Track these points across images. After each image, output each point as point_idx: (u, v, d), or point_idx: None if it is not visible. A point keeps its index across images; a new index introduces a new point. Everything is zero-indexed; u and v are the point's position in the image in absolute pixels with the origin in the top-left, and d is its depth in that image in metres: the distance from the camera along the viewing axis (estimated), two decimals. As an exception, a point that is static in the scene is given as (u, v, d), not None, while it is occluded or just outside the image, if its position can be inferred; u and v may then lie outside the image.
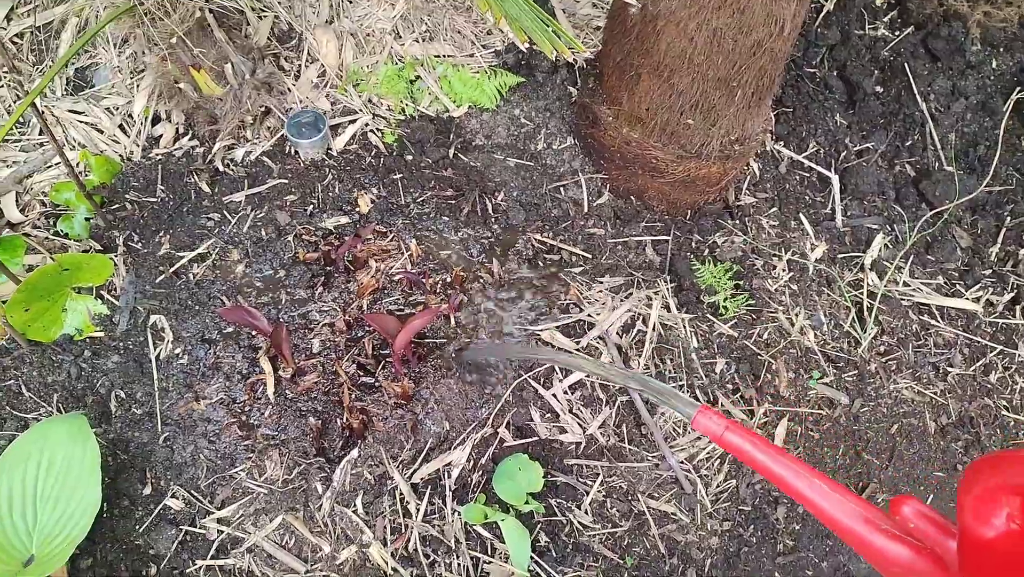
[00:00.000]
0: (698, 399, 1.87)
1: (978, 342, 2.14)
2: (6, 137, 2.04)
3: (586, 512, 1.75)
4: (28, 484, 1.46)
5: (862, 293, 2.12)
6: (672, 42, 1.69)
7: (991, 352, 2.13)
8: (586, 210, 2.10)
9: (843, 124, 2.42)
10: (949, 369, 2.08)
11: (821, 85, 2.47)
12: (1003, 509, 0.68)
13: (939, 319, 2.15)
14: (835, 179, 2.30)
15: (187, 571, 1.58)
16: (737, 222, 2.18)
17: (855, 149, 2.38)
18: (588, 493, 1.76)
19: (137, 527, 1.61)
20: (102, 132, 2.03)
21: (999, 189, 2.38)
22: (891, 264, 2.18)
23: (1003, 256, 2.31)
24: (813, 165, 2.32)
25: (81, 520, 1.45)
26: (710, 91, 1.75)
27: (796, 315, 2.05)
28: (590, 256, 2.03)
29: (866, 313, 2.08)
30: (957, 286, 2.22)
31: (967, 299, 2.19)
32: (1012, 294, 2.23)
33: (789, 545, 1.83)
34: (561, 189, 2.12)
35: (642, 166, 1.99)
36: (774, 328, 2.01)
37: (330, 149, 2.04)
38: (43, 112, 1.73)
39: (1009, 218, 2.35)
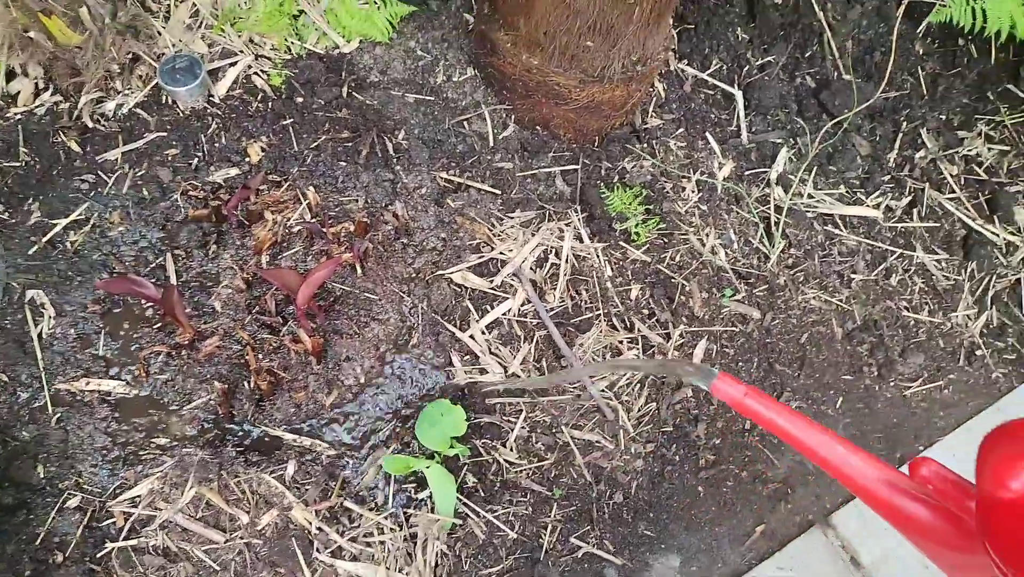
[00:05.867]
0: (616, 328, 1.88)
1: (879, 248, 2.21)
2: None
3: (511, 449, 1.75)
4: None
5: (769, 208, 2.14)
6: (564, -41, 1.61)
7: (891, 256, 2.20)
8: (492, 144, 2.03)
9: (744, 38, 2.40)
10: (853, 276, 2.15)
11: (722, -1, 2.44)
12: (1021, 474, 0.68)
13: (842, 228, 2.20)
14: (739, 95, 2.29)
15: (98, 555, 1.51)
16: (645, 145, 2.15)
17: (757, 63, 2.37)
18: (512, 430, 1.76)
19: (38, 513, 1.51)
20: (-53, 92, 1.82)
21: (895, 95, 2.43)
22: (795, 177, 2.21)
23: (900, 161, 2.37)
24: (717, 82, 2.31)
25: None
26: (607, 10, 1.69)
27: (707, 235, 2.06)
28: (499, 192, 1.97)
29: (773, 228, 2.11)
30: (858, 194, 2.27)
31: (868, 206, 2.25)
32: (909, 198, 2.31)
33: (711, 460, 1.88)
34: (465, 123, 2.04)
35: (545, 93, 1.92)
36: (686, 250, 2.02)
37: (211, 96, 1.89)
38: None
39: (905, 123, 2.40)
